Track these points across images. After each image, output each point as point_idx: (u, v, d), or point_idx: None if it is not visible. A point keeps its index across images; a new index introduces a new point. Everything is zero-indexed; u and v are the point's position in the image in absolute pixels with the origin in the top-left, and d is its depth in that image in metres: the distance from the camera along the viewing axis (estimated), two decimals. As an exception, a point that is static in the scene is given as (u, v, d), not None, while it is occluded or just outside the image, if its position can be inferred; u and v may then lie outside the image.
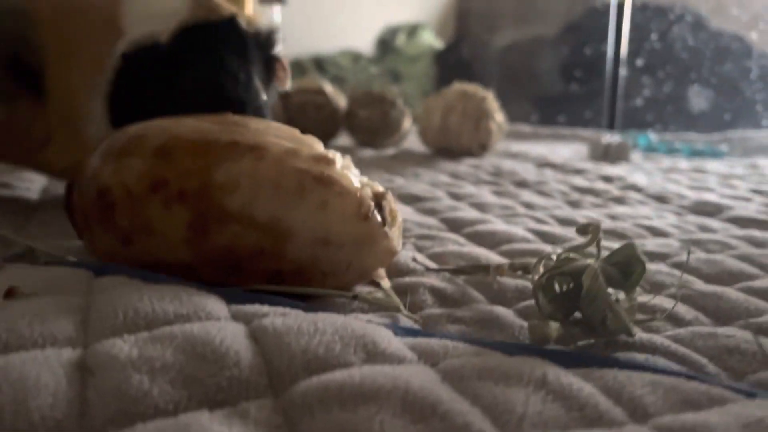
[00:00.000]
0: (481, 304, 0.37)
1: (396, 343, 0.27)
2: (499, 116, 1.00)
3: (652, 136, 1.18)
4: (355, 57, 2.33)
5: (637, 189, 0.77)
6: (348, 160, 0.41)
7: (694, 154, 1.12)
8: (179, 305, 0.28)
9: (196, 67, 0.51)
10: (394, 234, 0.38)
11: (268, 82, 0.56)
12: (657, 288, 0.37)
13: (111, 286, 0.31)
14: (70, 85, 0.55)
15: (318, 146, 0.40)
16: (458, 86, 1.02)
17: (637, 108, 1.47)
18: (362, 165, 0.92)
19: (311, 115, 1.10)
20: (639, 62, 1.48)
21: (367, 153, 1.05)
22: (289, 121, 1.11)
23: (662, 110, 1.43)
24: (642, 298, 0.35)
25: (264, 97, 0.53)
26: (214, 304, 0.29)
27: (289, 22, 1.73)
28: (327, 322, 0.27)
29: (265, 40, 0.55)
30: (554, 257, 0.34)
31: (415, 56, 2.65)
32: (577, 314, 0.31)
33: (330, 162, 0.38)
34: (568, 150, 1.15)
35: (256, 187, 0.35)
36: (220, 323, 0.27)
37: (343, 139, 1.16)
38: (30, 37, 0.58)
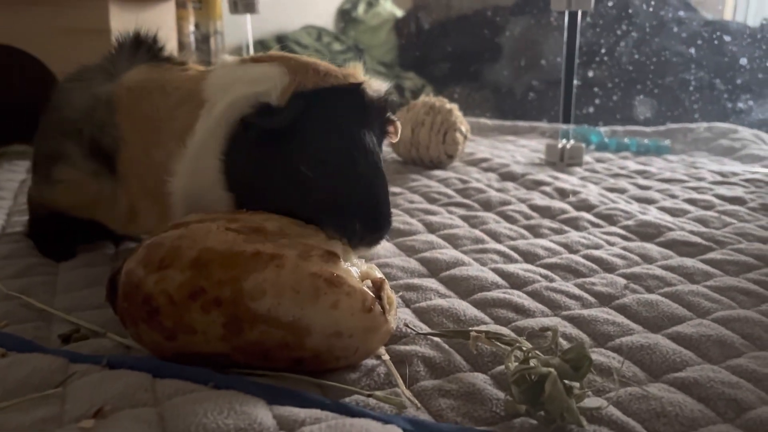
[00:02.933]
0: (464, 373, 0.46)
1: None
2: (464, 125, 1.08)
3: (603, 131, 1.28)
4: (318, 33, 2.35)
5: (589, 206, 0.86)
6: (347, 248, 0.49)
7: (641, 149, 1.22)
8: (236, 418, 0.36)
9: (324, 134, 0.50)
10: (392, 318, 0.47)
11: (381, 140, 0.55)
12: (603, 372, 0.46)
13: (173, 393, 0.39)
14: (148, 161, 0.57)
15: (319, 237, 0.48)
16: (425, 99, 1.09)
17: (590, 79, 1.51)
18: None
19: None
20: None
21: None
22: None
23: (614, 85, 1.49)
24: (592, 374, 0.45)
25: (381, 163, 0.52)
26: (261, 412, 0.37)
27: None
28: (359, 429, 0.35)
29: (383, 104, 0.54)
30: (521, 344, 0.43)
31: (376, 26, 2.68)
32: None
33: (336, 259, 0.46)
34: (527, 149, 1.24)
35: (279, 294, 0.43)
36: (272, 435, 0.35)
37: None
38: (107, 122, 0.61)
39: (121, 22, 1.14)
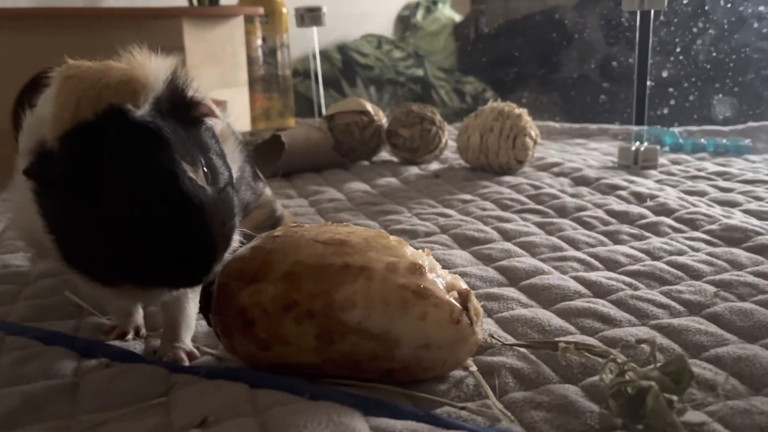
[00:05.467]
0: (554, 384, 0.45)
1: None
2: (534, 130, 1.07)
3: (678, 132, 1.24)
4: (378, 41, 2.37)
5: (668, 211, 0.84)
6: (431, 259, 0.49)
7: (719, 149, 1.18)
8: (334, 429, 0.37)
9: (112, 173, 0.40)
10: (478, 329, 0.47)
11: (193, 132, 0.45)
12: (700, 384, 0.45)
13: (272, 404, 0.40)
14: None
15: (403, 248, 0.48)
16: (493, 105, 1.08)
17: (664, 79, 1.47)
18: (410, 189, 1.00)
19: (356, 135, 1.17)
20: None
21: (412, 171, 1.12)
22: (336, 142, 1.19)
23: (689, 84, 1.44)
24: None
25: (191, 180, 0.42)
26: (358, 423, 0.38)
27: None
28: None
29: (175, 96, 0.44)
30: (615, 356, 0.42)
31: (435, 31, 2.68)
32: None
33: (422, 270, 0.46)
34: (598, 152, 1.21)
35: (369, 306, 0.43)
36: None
37: (386, 154, 1.23)
38: None
39: (195, 40, 1.18)
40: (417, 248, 0.65)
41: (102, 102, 0.42)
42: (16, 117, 1.17)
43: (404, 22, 2.73)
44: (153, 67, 0.44)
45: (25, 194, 0.45)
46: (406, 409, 0.40)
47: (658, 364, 0.40)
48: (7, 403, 0.42)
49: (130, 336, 0.52)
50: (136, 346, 0.51)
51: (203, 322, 0.54)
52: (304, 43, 1.55)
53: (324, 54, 2.18)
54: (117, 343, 0.51)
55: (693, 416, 0.39)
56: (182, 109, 0.44)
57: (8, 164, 1.32)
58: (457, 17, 2.73)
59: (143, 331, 0.53)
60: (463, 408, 0.41)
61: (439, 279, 0.47)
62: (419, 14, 2.77)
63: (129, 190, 0.40)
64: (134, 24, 1.17)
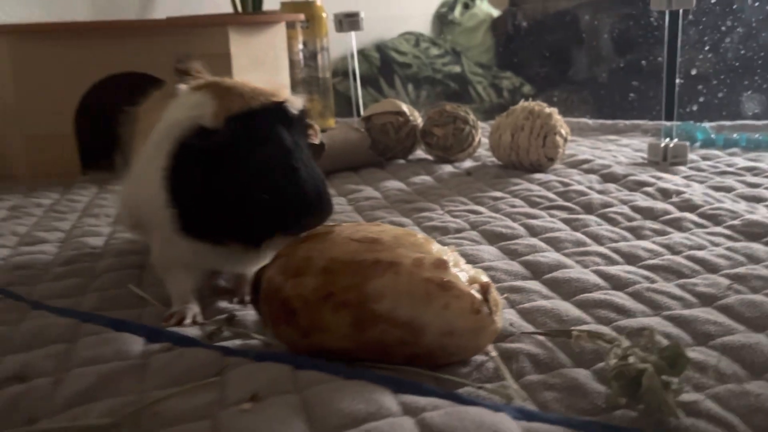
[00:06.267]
0: (567, 368, 0.50)
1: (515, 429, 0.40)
2: (564, 128, 1.10)
3: (710, 127, 1.25)
4: (416, 39, 2.41)
5: (693, 206, 0.86)
6: (456, 255, 0.54)
7: (751, 145, 1.19)
8: (367, 404, 0.42)
9: (254, 146, 0.55)
10: (497, 318, 0.51)
11: (306, 143, 0.60)
12: (702, 370, 0.48)
13: (312, 383, 0.46)
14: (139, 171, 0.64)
15: (430, 245, 0.53)
16: (524, 105, 1.12)
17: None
18: (443, 187, 1.05)
19: (392, 134, 1.22)
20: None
21: (446, 169, 1.16)
22: (373, 141, 1.24)
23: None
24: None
25: (307, 158, 0.58)
26: (388, 399, 0.43)
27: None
28: (473, 415, 0.40)
29: (305, 115, 0.60)
30: (620, 342, 0.46)
31: (473, 27, 2.71)
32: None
33: (446, 266, 0.51)
34: (629, 149, 1.24)
35: (397, 297, 0.49)
36: (397, 419, 0.41)
37: (421, 152, 1.28)
38: (130, 135, 0.72)
39: (240, 46, 1.25)
40: (446, 244, 0.71)
41: (260, 100, 0.57)
42: (79, 122, 1.25)
43: (442, 19, 2.77)
44: (294, 96, 0.60)
45: (149, 175, 0.59)
46: (430, 388, 0.45)
47: (658, 348, 0.44)
48: (85, 381, 0.49)
49: (188, 321, 0.59)
50: (194, 332, 0.58)
51: (253, 312, 0.60)
52: (344, 44, 1.61)
53: (362, 53, 2.23)
54: (177, 329, 0.57)
55: (689, 396, 0.43)
56: (305, 125, 0.61)
57: (68, 166, 1.40)
58: (495, 12, 2.75)
59: (199, 317, 0.60)
60: (481, 388, 0.46)
61: (462, 273, 0.52)
62: (457, 11, 2.80)
63: (276, 160, 0.55)
64: (183, 33, 1.24)
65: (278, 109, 0.57)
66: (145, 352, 0.53)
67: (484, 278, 0.53)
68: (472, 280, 0.52)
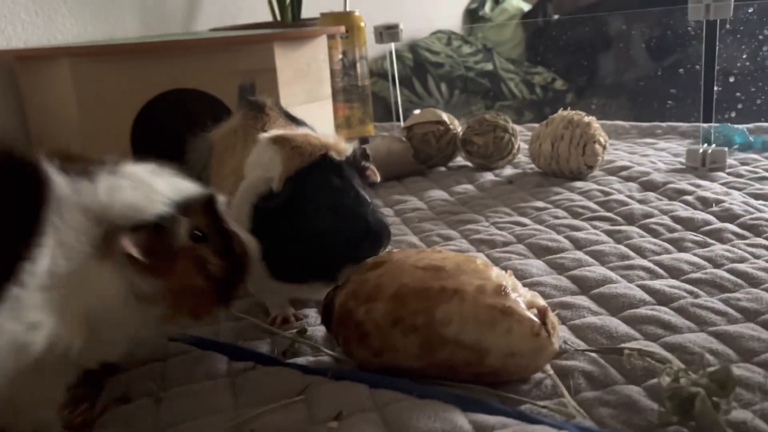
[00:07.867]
0: (620, 385, 0.54)
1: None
2: (603, 136, 1.13)
3: (747, 130, 1.27)
4: (448, 37, 2.44)
5: (733, 216, 0.89)
6: (513, 279, 0.59)
7: (790, 147, 1.20)
8: (442, 422, 0.47)
9: (311, 199, 0.63)
10: (555, 339, 0.56)
11: (364, 183, 0.67)
12: (749, 387, 0.52)
13: (389, 402, 0.50)
14: None
15: (489, 271, 0.58)
16: (563, 114, 1.15)
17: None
18: (486, 196, 1.09)
19: (433, 143, 1.26)
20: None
21: (487, 177, 1.20)
22: (415, 150, 1.28)
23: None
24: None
25: (369, 199, 0.65)
26: (459, 418, 0.48)
27: (385, 12, 1.86)
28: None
29: (356, 158, 0.67)
30: (672, 363, 0.50)
31: (503, 22, 2.72)
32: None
33: (506, 292, 0.56)
34: (666, 153, 1.26)
35: (463, 322, 0.53)
36: (471, 438, 0.45)
37: (461, 160, 1.32)
38: (207, 163, 0.78)
39: (284, 60, 1.30)
40: (496, 258, 0.75)
41: (313, 156, 0.64)
42: (135, 139, 1.30)
43: (472, 16, 2.78)
44: (344, 144, 0.67)
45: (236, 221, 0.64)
46: (497, 406, 0.50)
47: (709, 370, 0.48)
48: (183, 400, 0.54)
49: (292, 319, 0.69)
50: (266, 347, 0.63)
51: (317, 326, 0.65)
52: (379, 47, 1.65)
53: (396, 54, 2.27)
54: (256, 349, 0.63)
55: (738, 414, 0.47)
56: (359, 167, 0.67)
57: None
58: (526, 7, 2.76)
59: (292, 318, 0.69)
60: (544, 407, 0.50)
61: (520, 298, 0.56)
62: (487, 6, 2.82)
63: (329, 203, 0.63)
64: (230, 50, 1.29)
65: (325, 161, 0.64)
66: (230, 370, 0.59)
67: (541, 302, 0.57)
68: (530, 305, 0.56)
